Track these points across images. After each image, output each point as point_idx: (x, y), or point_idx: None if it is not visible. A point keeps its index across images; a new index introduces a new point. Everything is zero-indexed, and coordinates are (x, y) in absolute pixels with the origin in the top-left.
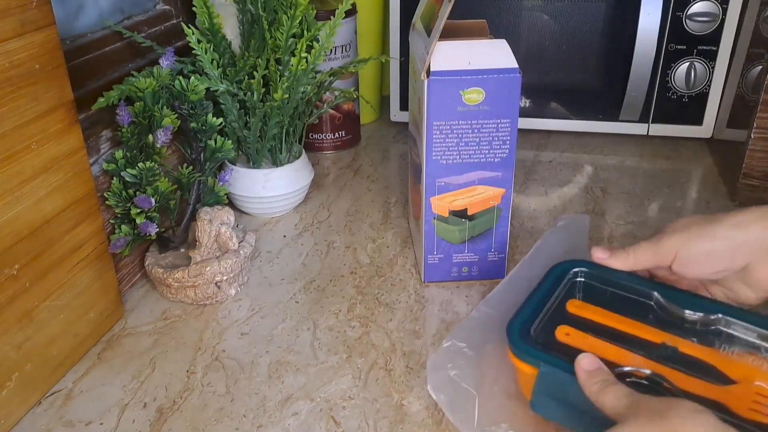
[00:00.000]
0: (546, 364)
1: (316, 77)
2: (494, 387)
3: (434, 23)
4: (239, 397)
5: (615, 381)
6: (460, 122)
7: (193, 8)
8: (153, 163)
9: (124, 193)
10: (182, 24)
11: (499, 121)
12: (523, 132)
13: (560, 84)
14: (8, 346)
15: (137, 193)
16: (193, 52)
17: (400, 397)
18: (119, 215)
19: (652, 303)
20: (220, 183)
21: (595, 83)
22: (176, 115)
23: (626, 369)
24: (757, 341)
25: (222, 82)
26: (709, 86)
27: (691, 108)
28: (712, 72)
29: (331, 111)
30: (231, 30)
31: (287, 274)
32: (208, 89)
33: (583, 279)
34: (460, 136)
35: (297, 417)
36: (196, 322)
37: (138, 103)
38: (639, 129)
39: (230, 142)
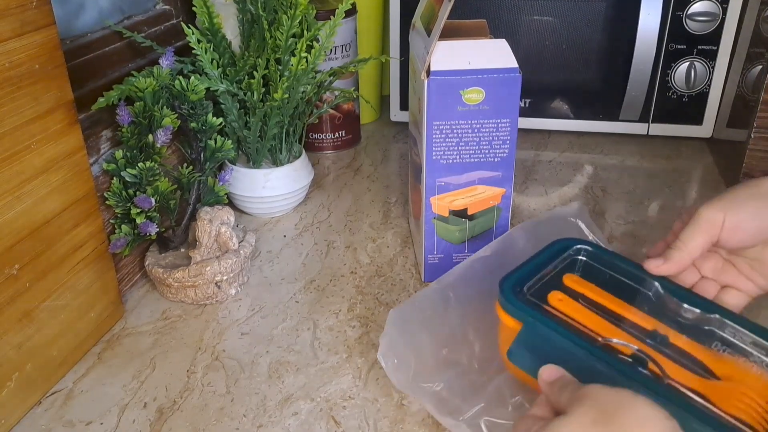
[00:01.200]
0: (532, 320)
1: (316, 77)
2: (433, 353)
3: (434, 23)
4: (239, 397)
5: (573, 380)
6: (460, 122)
7: (193, 8)
8: (153, 163)
9: (124, 193)
10: (182, 24)
11: (499, 120)
12: (523, 132)
13: (560, 84)
14: (8, 346)
15: (137, 193)
16: (193, 51)
17: (401, 396)
18: (119, 215)
19: (650, 294)
20: (220, 183)
21: (595, 83)
22: (176, 115)
23: (614, 341)
24: (749, 348)
25: (222, 82)
26: (709, 86)
27: (691, 108)
28: (712, 72)
29: (331, 111)
30: (231, 30)
31: (287, 273)
32: (208, 89)
33: (584, 258)
34: (460, 135)
35: (297, 417)
36: (197, 322)
37: (138, 103)
38: (639, 129)
39: (230, 141)
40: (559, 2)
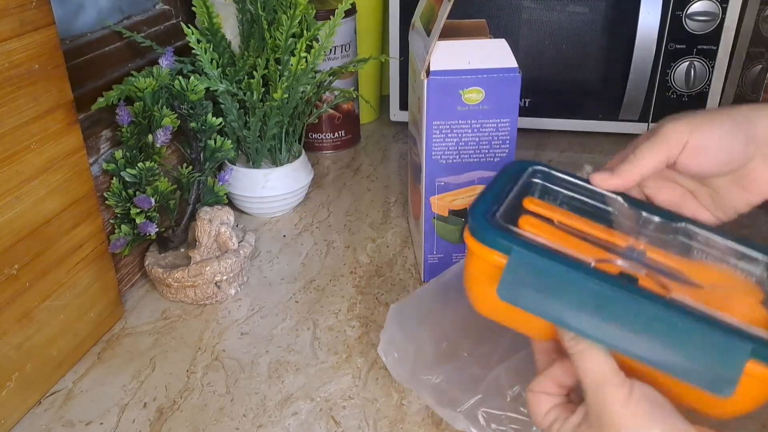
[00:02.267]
0: (521, 249)
1: (315, 77)
2: (433, 347)
3: (434, 23)
4: (239, 397)
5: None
6: (460, 122)
7: (193, 8)
8: (153, 163)
9: (123, 193)
10: (182, 24)
11: (498, 120)
12: (522, 131)
13: (560, 83)
14: (8, 346)
15: (137, 193)
16: (193, 51)
17: (400, 396)
18: (119, 215)
19: (614, 210)
20: (220, 183)
21: (595, 83)
22: (176, 115)
23: (606, 262)
24: (725, 255)
25: (221, 82)
26: (709, 85)
27: (691, 107)
28: (712, 71)
29: (331, 111)
30: (230, 30)
31: (287, 273)
32: (207, 89)
33: (540, 180)
34: (460, 135)
35: (297, 417)
36: (196, 322)
37: (138, 103)
38: (639, 128)
39: (230, 141)
40: (559, 2)
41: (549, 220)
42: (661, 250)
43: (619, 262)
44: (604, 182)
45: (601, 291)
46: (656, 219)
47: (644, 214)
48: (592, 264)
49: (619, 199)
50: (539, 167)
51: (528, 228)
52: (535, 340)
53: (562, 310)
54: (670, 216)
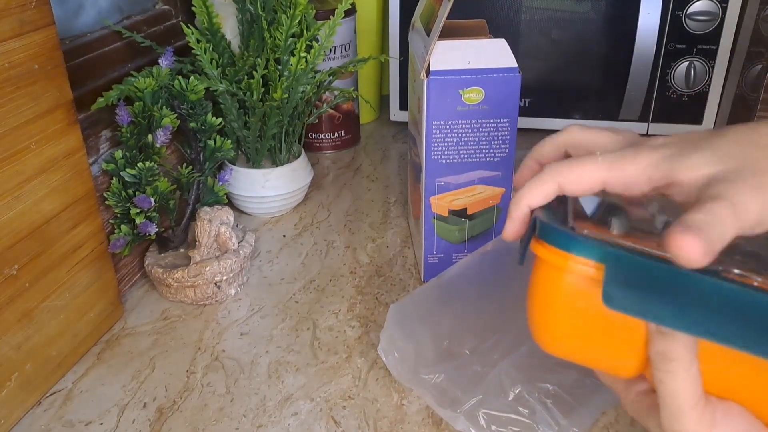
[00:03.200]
0: (618, 251)
1: (315, 77)
2: (434, 346)
3: (434, 23)
4: (239, 397)
5: None
6: (460, 122)
7: (193, 8)
8: (152, 163)
9: (123, 193)
10: (181, 24)
11: (498, 120)
12: (522, 131)
13: (560, 83)
14: (8, 347)
15: (137, 193)
16: (193, 51)
17: (400, 397)
18: (119, 215)
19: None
20: (220, 183)
21: (595, 82)
22: (176, 115)
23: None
24: None
25: (221, 82)
26: (709, 85)
27: (690, 107)
28: (712, 71)
29: (331, 111)
30: (230, 30)
31: (287, 273)
32: (207, 89)
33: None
34: (460, 135)
35: (297, 417)
36: (196, 322)
37: (137, 103)
38: (639, 128)
39: (230, 141)
40: (559, 2)
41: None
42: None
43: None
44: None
45: (722, 286)
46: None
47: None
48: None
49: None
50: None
51: (592, 232)
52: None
53: (668, 312)
54: None
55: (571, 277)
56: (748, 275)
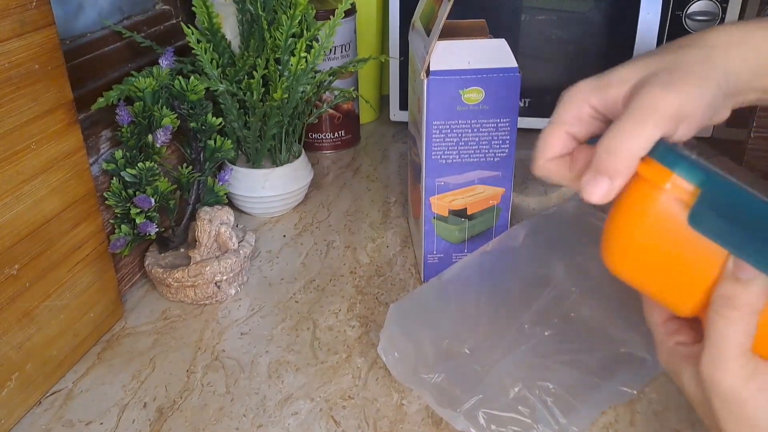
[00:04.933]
0: (715, 176)
1: (315, 77)
2: (434, 346)
3: (434, 23)
4: (239, 397)
5: None
6: (460, 122)
7: (193, 8)
8: (152, 163)
9: (123, 192)
10: (182, 24)
11: (498, 120)
12: (522, 131)
13: (560, 83)
14: (8, 346)
15: (137, 192)
16: (193, 51)
17: (400, 396)
18: (119, 215)
19: None
20: (220, 183)
21: None
22: (176, 115)
23: None
24: None
25: (221, 82)
26: None
27: None
28: None
29: (331, 111)
30: (230, 30)
31: (287, 273)
32: (207, 89)
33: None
34: (460, 135)
35: (297, 417)
36: (196, 322)
37: (137, 103)
38: None
39: (230, 141)
40: (559, 2)
41: None
42: None
43: None
44: (592, 195)
45: None
46: None
47: None
48: None
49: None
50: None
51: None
52: (655, 313)
53: (759, 246)
54: None
55: (665, 197)
56: None
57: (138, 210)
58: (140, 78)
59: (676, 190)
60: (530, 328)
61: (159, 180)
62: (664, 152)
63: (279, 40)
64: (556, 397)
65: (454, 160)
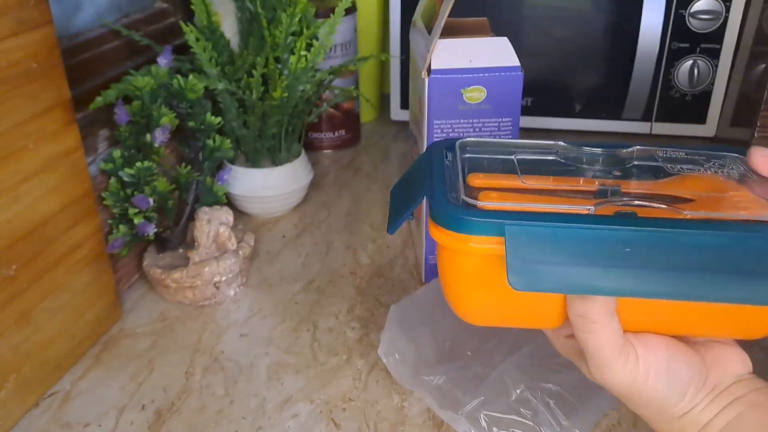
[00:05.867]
0: (517, 225)
1: (315, 75)
2: (434, 347)
3: (435, 21)
4: (238, 399)
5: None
6: (461, 121)
7: (192, 6)
8: (151, 163)
9: (121, 192)
10: (180, 22)
11: (500, 119)
12: (524, 131)
13: (562, 82)
14: (5, 348)
15: (135, 192)
16: (192, 50)
17: (401, 398)
18: (117, 215)
19: (559, 158)
20: (219, 182)
21: (598, 81)
22: (174, 114)
23: (598, 207)
24: (691, 158)
25: (220, 81)
26: (713, 84)
27: (694, 106)
28: (716, 70)
29: (331, 110)
30: (229, 28)
31: (286, 274)
32: (206, 88)
33: (473, 155)
34: (461, 134)
35: (297, 419)
36: (195, 324)
37: (136, 102)
38: (642, 128)
39: (229, 141)
40: (562, 0)
41: (508, 189)
42: (631, 180)
43: (606, 205)
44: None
45: (624, 236)
46: (604, 152)
47: (590, 150)
48: (593, 210)
49: (561, 143)
50: (467, 139)
51: (493, 204)
52: (548, 331)
53: (591, 274)
54: (617, 144)
55: (474, 259)
56: (629, 208)
57: (136, 210)
58: (138, 77)
59: (481, 250)
60: (532, 329)
61: (157, 180)
62: (450, 218)
63: (278, 38)
64: (558, 399)
65: None
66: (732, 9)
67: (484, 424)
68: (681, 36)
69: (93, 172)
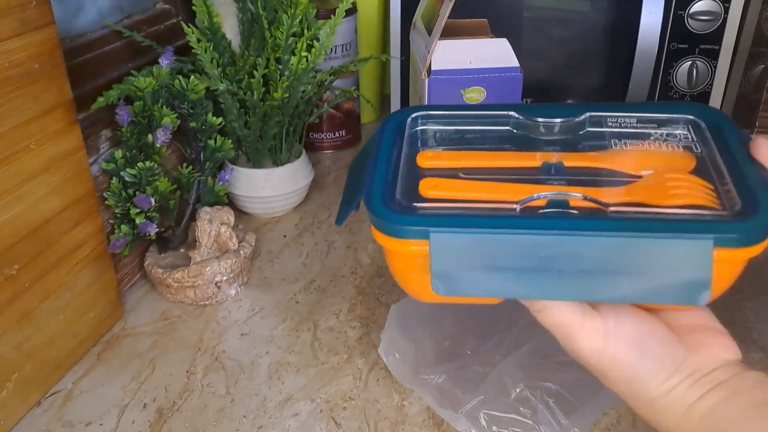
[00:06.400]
0: (438, 229)
1: (316, 76)
2: (435, 346)
3: (435, 22)
4: (239, 398)
5: None
6: None
7: (193, 7)
8: (152, 163)
9: (123, 192)
10: (182, 23)
11: None
12: None
13: (561, 83)
14: (8, 347)
15: (137, 192)
16: (193, 51)
17: (401, 397)
18: (119, 215)
19: (511, 128)
20: (220, 183)
21: (597, 82)
22: (176, 115)
23: (526, 201)
24: (640, 127)
25: (222, 82)
26: (711, 85)
27: None
28: (714, 71)
29: (332, 110)
30: (231, 29)
31: (287, 274)
32: (207, 88)
33: (424, 126)
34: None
35: (297, 418)
36: (196, 323)
37: (137, 103)
38: None
39: (230, 141)
40: (561, 1)
41: (451, 172)
42: (577, 153)
43: (543, 194)
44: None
45: (541, 241)
46: (558, 121)
47: (540, 118)
48: (518, 209)
49: (513, 113)
50: (420, 112)
51: (432, 192)
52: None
53: (508, 282)
54: (570, 111)
55: (409, 256)
56: (561, 197)
57: (138, 210)
58: (140, 77)
59: (417, 251)
60: (532, 328)
61: (159, 180)
62: (385, 217)
63: (279, 39)
64: (557, 398)
65: None
66: (731, 10)
67: (483, 423)
68: (680, 37)
69: (95, 172)
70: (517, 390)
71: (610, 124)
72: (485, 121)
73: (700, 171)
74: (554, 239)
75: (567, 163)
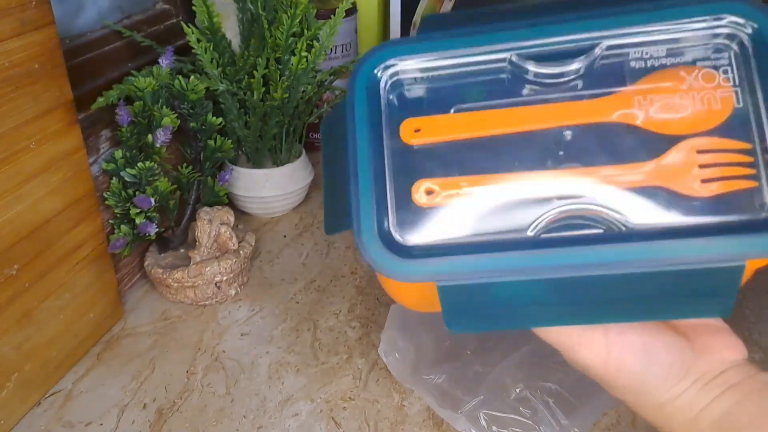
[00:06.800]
0: (449, 281)
1: (316, 76)
2: (434, 346)
3: None
4: (239, 398)
5: None
6: None
7: (193, 7)
8: (152, 163)
9: (123, 193)
10: (182, 23)
11: None
12: None
13: None
14: (7, 347)
15: (137, 193)
16: (193, 51)
17: (401, 397)
18: (119, 215)
19: (510, 67)
20: (220, 183)
21: None
22: (176, 115)
23: (541, 223)
24: (662, 39)
25: (222, 82)
26: None
27: None
28: None
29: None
30: (231, 29)
31: (287, 274)
32: (207, 88)
33: (398, 77)
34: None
35: (297, 418)
36: (196, 323)
37: (137, 103)
38: None
39: (230, 141)
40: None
41: (443, 149)
42: (594, 100)
43: (555, 210)
44: None
45: (557, 283)
46: (560, 38)
47: (546, 70)
48: (530, 238)
49: (513, 58)
50: (389, 61)
51: (427, 203)
52: None
53: (523, 316)
54: (581, 37)
55: (412, 287)
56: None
57: (138, 210)
58: (140, 77)
59: (414, 285)
60: None
61: (159, 180)
62: (379, 259)
63: (279, 39)
64: (557, 398)
65: None
66: None
67: (483, 422)
68: None
69: (95, 172)
70: (517, 390)
71: (631, 55)
72: (479, 61)
73: (737, 119)
74: (571, 279)
75: (581, 120)
